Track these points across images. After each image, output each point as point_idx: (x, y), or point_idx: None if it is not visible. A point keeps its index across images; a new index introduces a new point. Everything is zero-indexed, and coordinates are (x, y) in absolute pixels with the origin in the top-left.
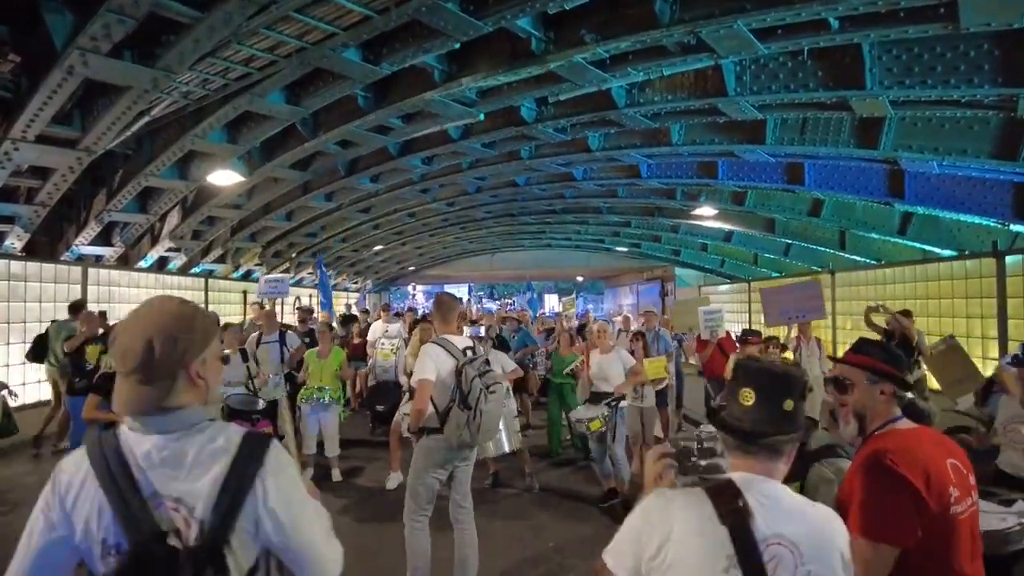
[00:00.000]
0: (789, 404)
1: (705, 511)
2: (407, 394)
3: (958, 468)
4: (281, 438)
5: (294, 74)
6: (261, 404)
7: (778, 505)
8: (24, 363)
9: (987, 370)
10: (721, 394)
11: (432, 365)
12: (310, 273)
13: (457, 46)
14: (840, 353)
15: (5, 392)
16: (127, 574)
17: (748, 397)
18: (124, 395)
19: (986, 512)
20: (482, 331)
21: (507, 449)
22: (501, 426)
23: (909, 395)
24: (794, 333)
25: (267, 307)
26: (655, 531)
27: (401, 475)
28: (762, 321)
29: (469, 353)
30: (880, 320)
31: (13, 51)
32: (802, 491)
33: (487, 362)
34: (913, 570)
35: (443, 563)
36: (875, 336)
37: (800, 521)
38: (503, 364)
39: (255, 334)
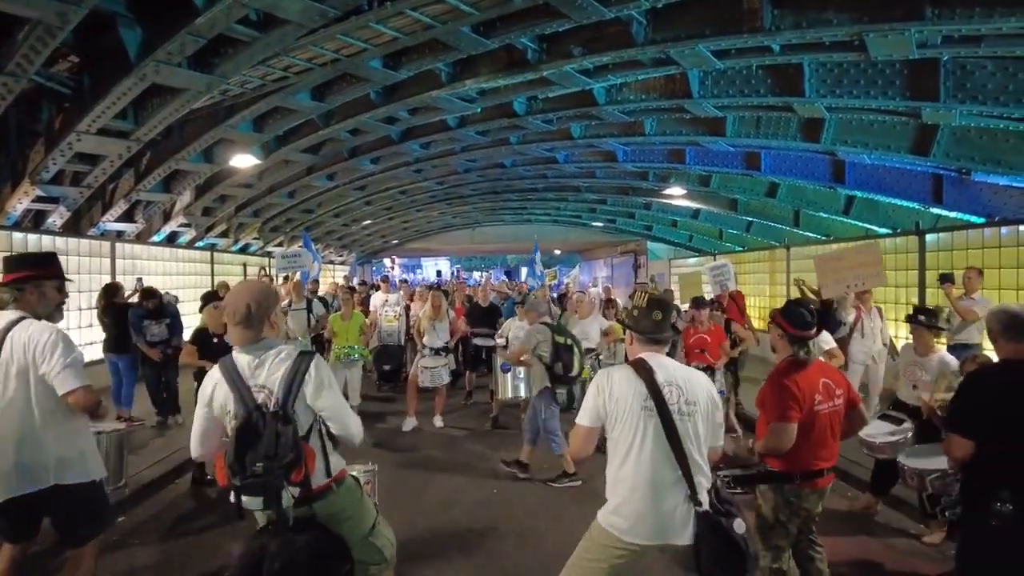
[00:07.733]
0: (659, 315)
1: (630, 374)
2: (422, 350)
3: (828, 384)
4: None
5: (324, 78)
6: None
7: (667, 367)
8: (69, 328)
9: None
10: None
11: None
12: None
13: (464, 56)
14: None
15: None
16: (244, 427)
17: (657, 315)
18: (235, 336)
19: (884, 430)
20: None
21: (523, 395)
22: (522, 375)
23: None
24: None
25: (292, 280)
26: (604, 389)
27: (416, 420)
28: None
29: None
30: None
31: (74, 53)
32: None
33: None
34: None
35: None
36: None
37: (681, 374)
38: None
39: (284, 302)
